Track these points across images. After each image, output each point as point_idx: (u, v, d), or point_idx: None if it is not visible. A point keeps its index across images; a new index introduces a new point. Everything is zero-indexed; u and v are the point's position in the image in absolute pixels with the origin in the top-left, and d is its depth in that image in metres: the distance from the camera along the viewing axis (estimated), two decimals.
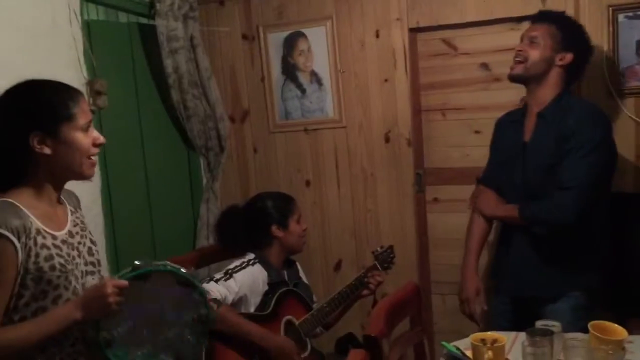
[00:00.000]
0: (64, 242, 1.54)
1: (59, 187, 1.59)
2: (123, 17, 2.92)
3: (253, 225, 2.43)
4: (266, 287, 2.34)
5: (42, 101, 1.51)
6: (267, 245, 2.42)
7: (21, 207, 1.47)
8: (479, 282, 2.43)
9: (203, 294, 1.59)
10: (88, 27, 2.60)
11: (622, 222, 2.56)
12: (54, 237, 1.52)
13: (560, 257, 2.25)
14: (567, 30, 2.29)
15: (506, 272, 2.41)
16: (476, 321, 2.41)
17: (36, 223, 1.48)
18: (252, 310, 2.31)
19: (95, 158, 1.57)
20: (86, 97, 2.53)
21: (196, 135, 3.14)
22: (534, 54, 2.26)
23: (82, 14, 2.54)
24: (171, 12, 2.93)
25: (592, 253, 2.27)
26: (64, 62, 2.44)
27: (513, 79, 2.33)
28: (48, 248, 1.49)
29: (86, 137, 1.54)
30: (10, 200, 1.47)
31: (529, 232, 2.28)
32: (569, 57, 2.27)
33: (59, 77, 2.31)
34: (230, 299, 2.22)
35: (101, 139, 1.58)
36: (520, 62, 2.29)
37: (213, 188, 3.25)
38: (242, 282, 2.26)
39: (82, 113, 1.54)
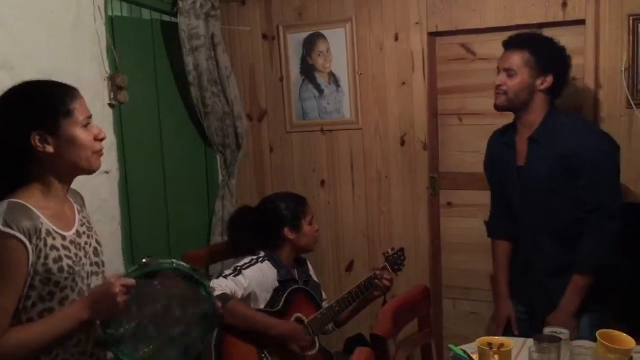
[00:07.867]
0: (72, 242, 1.53)
1: (66, 184, 1.57)
2: (146, 14, 2.96)
3: (265, 227, 2.44)
4: (276, 284, 2.36)
5: (39, 99, 1.50)
6: (278, 246, 2.44)
7: (32, 207, 1.46)
8: (510, 309, 2.42)
9: (208, 290, 1.58)
10: (112, 23, 2.65)
11: (638, 233, 2.54)
12: (63, 238, 1.51)
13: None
14: (541, 53, 2.23)
15: (524, 290, 2.38)
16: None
17: (46, 224, 1.47)
18: (261, 306, 2.33)
19: (101, 151, 1.57)
20: (107, 91, 2.59)
21: (214, 132, 3.18)
22: (513, 85, 2.22)
23: (106, 10, 2.59)
24: (193, 10, 2.97)
25: (609, 271, 2.24)
26: (87, 57, 2.49)
27: (498, 108, 2.31)
28: (57, 249, 1.48)
29: (87, 132, 1.53)
30: (20, 201, 1.46)
31: (546, 252, 2.27)
32: (549, 79, 2.24)
33: (81, 71, 2.39)
34: (239, 294, 2.25)
35: (102, 134, 1.57)
36: (502, 94, 2.25)
37: (229, 185, 3.29)
38: (251, 278, 2.29)
39: (80, 109, 1.53)
